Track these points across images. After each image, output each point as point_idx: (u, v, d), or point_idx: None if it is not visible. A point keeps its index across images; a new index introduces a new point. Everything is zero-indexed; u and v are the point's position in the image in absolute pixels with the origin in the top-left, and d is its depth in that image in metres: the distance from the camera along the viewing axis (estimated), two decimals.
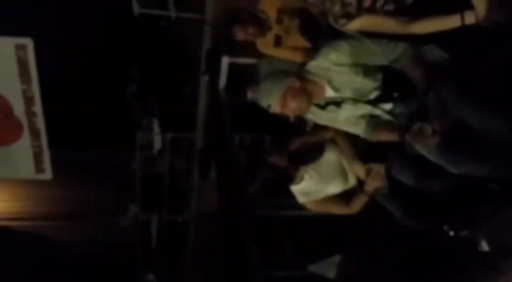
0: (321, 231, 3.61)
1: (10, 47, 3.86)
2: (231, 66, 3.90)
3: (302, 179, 2.69)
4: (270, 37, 3.32)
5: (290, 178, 2.69)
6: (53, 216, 6.49)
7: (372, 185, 2.56)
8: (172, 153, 5.36)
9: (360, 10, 2.17)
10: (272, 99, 2.20)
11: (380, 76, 2.22)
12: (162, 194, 5.57)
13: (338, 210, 2.76)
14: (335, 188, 2.73)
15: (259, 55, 3.52)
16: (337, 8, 2.17)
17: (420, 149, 2.21)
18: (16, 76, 3.97)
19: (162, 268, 6.18)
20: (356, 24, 2.20)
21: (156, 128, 5.30)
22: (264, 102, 2.25)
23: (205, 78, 4.27)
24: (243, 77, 3.76)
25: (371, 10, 2.17)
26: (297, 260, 3.53)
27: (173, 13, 4.42)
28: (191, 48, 4.86)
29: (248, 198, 3.42)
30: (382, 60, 2.20)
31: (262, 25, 3.30)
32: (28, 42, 3.88)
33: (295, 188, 2.74)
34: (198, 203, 5.33)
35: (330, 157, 2.71)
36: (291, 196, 2.85)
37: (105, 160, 6.06)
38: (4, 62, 3.93)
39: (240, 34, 3.30)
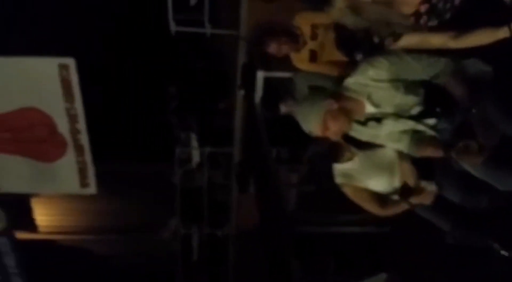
0: (365, 247, 3.54)
1: (54, 67, 4.01)
2: (267, 80, 3.90)
3: (350, 159, 2.62)
4: (305, 52, 3.30)
5: (338, 155, 2.61)
6: (97, 229, 6.65)
7: (419, 200, 2.49)
8: (210, 167, 5.41)
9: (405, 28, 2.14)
10: (312, 125, 2.15)
11: (421, 91, 2.16)
12: (202, 208, 5.61)
13: (371, 207, 2.64)
14: (377, 184, 2.63)
15: (294, 68, 3.50)
16: (382, 28, 2.16)
17: (466, 165, 2.13)
18: (60, 95, 4.11)
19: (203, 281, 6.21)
20: (402, 42, 2.16)
21: (194, 143, 5.36)
22: (305, 128, 2.20)
23: (241, 93, 4.29)
24: (279, 91, 3.75)
25: (416, 27, 2.13)
26: (340, 278, 3.47)
27: (208, 30, 4.49)
28: (227, 64, 4.92)
29: (290, 214, 3.39)
30: (423, 76, 2.14)
31: (296, 40, 3.28)
32: (71, 62, 4.01)
33: (338, 167, 2.65)
34: (238, 216, 5.33)
35: (388, 151, 2.58)
36: (333, 212, 2.80)
37: (146, 174, 6.18)
38: (48, 82, 4.08)
39: (273, 48, 3.29)
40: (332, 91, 2.28)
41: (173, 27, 4.40)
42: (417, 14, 2.10)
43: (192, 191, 5.62)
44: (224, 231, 5.84)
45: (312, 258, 3.61)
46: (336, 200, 2.80)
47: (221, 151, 5.33)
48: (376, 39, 2.23)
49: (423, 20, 2.12)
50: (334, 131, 2.16)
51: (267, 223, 4.01)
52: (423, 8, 2.09)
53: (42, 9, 5.13)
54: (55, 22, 5.15)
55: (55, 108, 4.17)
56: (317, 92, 2.35)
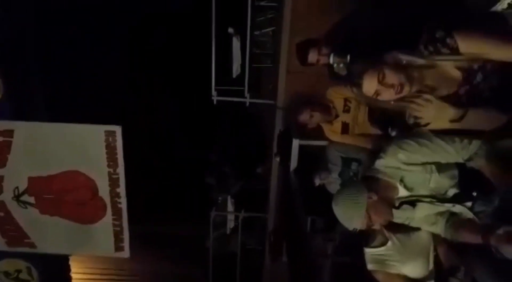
0: None
1: (100, 133, 4.16)
2: (302, 148, 3.94)
3: (383, 244, 2.46)
4: (337, 124, 3.36)
5: (370, 239, 2.47)
6: None
7: None
8: (244, 232, 5.37)
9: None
10: (356, 223, 2.10)
11: (456, 172, 2.10)
12: (235, 274, 5.53)
13: None
14: (411, 269, 2.46)
15: (327, 139, 3.54)
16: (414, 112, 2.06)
17: (508, 254, 2.01)
18: (104, 160, 4.23)
19: None
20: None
21: (230, 207, 5.38)
22: (348, 227, 2.15)
23: (277, 160, 4.33)
24: (313, 161, 3.76)
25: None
26: None
27: (247, 100, 4.66)
28: (264, 131, 5.04)
29: None
30: (456, 158, 2.09)
31: (327, 111, 3.37)
32: (117, 129, 4.16)
33: (370, 251, 2.49)
34: None
35: (422, 235, 2.43)
36: None
37: (180, 237, 6.20)
38: (95, 147, 4.23)
39: (304, 117, 3.39)
40: (364, 177, 2.21)
41: (215, 96, 4.60)
42: (455, 96, 2.04)
43: (226, 256, 5.57)
44: None
45: None
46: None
47: (256, 216, 5.31)
48: (411, 121, 2.16)
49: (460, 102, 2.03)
50: (379, 223, 2.12)
51: None
52: (463, 90, 2.03)
53: (95, 82, 5.52)
54: (105, 92, 5.49)
55: (98, 172, 4.28)
56: (348, 186, 2.23)
